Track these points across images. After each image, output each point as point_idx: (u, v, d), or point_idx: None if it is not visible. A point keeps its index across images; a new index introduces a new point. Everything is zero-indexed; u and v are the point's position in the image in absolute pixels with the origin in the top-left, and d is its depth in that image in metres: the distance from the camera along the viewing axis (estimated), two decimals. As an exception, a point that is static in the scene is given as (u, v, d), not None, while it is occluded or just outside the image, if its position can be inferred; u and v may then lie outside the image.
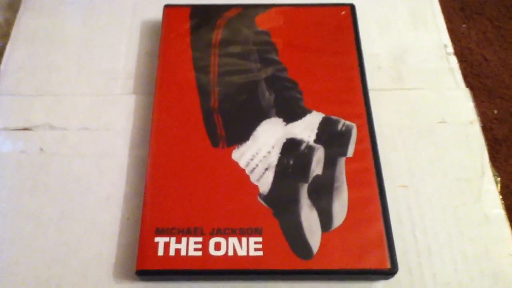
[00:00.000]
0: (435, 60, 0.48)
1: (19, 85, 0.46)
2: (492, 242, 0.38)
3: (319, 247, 0.36)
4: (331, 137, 0.40)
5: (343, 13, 0.47)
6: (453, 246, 0.38)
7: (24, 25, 0.50)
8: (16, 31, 0.50)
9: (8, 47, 0.48)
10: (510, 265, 0.37)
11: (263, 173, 0.39)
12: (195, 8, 0.48)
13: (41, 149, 0.42)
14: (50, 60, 0.47)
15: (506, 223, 0.39)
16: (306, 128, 0.41)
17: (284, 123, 0.41)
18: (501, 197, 0.41)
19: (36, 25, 0.50)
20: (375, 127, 0.41)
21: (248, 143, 0.40)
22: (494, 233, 0.39)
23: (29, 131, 0.43)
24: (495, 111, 1.08)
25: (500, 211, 0.40)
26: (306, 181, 0.38)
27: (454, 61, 0.47)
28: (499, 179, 0.42)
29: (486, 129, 1.04)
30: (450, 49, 0.48)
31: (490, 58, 1.15)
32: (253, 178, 0.38)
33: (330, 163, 0.39)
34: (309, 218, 0.37)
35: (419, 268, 0.37)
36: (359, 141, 0.40)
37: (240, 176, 0.39)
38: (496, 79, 1.13)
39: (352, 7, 0.48)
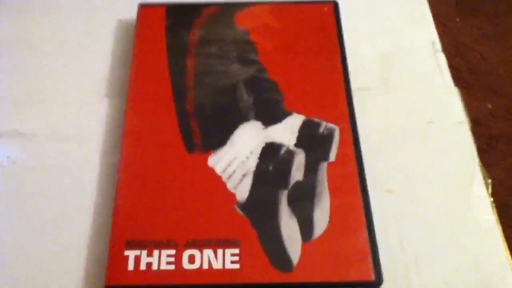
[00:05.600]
0: (423, 58, 0.46)
1: (-14, 91, 0.44)
2: (483, 251, 0.37)
3: (300, 259, 0.34)
4: (312, 140, 0.39)
5: (325, 9, 0.45)
6: (442, 255, 0.36)
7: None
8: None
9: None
10: (502, 275, 0.36)
11: (241, 179, 0.37)
12: (170, 7, 0.46)
13: (8, 157, 0.40)
14: (18, 65, 0.46)
15: (497, 229, 0.38)
16: (286, 132, 0.39)
17: (263, 126, 0.39)
18: (492, 199, 0.39)
19: (5, 30, 0.48)
20: (359, 129, 0.40)
21: (225, 148, 0.38)
22: (485, 241, 0.37)
23: (-4, 139, 0.41)
24: (489, 106, 1.06)
25: (491, 216, 0.38)
26: (286, 188, 0.36)
27: (442, 58, 0.46)
28: (490, 181, 0.41)
29: (482, 126, 1.02)
30: (438, 45, 0.46)
31: (486, 55, 1.13)
32: (230, 186, 0.37)
33: (311, 168, 0.37)
34: (288, 227, 0.35)
35: (406, 279, 0.35)
36: (341, 144, 0.38)
37: (216, 183, 0.37)
38: (492, 75, 1.11)
39: (335, 4, 0.46)
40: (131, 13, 0.46)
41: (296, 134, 0.39)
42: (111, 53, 0.46)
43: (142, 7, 0.46)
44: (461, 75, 1.08)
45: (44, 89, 0.44)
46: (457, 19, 1.13)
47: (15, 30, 0.48)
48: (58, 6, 0.50)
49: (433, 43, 0.47)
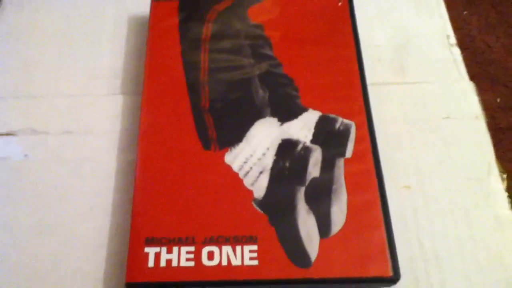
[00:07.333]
0: (438, 51, 0.45)
1: (-2, 86, 0.44)
2: (506, 247, 0.36)
3: (318, 255, 0.34)
4: (328, 137, 0.38)
5: (340, 3, 0.45)
6: (463, 252, 0.36)
7: (3, 21, 0.47)
8: (-4, 28, 0.47)
9: (-14, 45, 0.46)
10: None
11: (258, 176, 0.37)
12: (183, 1, 0.45)
13: (25, 155, 0.40)
14: (30, 59, 0.45)
15: (516, 224, 0.37)
16: (302, 128, 0.39)
17: (279, 122, 0.39)
18: (507, 194, 0.39)
19: (16, 21, 0.47)
20: (376, 124, 0.39)
21: (241, 145, 0.38)
22: (508, 236, 0.37)
23: (12, 136, 0.41)
24: (498, 100, 1.05)
25: (508, 212, 0.38)
26: (303, 184, 0.36)
27: (457, 52, 0.45)
28: (505, 175, 0.40)
29: (489, 118, 1.01)
30: (453, 39, 0.46)
31: (493, 45, 1.12)
32: (247, 183, 0.36)
33: (328, 165, 0.37)
34: (306, 224, 0.35)
35: (426, 276, 0.35)
36: (358, 140, 0.38)
37: (233, 180, 0.36)
38: (499, 67, 1.10)
39: (349, -2, 0.45)
40: (144, 8, 0.46)
41: (312, 130, 0.38)
42: (125, 49, 0.46)
43: (155, 2, 0.45)
44: (468, 67, 1.07)
45: (55, 85, 0.44)
46: (465, 12, 1.11)
47: (26, 24, 0.47)
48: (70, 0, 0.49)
49: (448, 37, 0.46)
